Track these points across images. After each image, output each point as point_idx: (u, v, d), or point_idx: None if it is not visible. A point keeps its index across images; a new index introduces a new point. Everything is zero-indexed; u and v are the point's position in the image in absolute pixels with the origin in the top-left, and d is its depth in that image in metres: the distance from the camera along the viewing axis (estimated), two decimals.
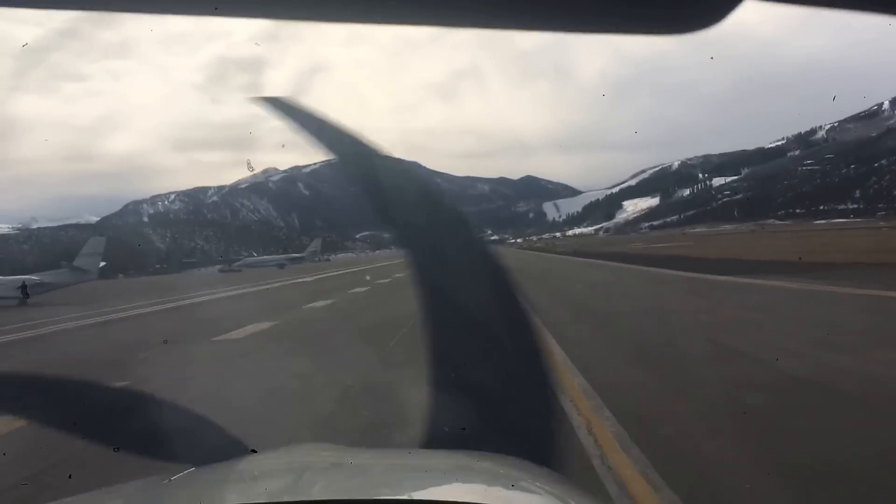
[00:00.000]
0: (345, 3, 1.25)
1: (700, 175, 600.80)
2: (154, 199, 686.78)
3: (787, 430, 7.79)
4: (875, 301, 19.67)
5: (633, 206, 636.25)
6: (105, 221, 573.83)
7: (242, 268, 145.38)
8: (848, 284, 22.99)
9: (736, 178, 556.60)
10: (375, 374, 12.36)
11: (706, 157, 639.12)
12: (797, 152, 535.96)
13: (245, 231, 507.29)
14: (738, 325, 16.15)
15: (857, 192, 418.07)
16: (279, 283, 56.06)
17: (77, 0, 1.18)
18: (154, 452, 2.09)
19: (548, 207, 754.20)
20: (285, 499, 1.83)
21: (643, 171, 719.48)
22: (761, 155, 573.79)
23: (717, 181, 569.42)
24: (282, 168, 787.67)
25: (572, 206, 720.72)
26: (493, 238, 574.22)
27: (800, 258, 31.98)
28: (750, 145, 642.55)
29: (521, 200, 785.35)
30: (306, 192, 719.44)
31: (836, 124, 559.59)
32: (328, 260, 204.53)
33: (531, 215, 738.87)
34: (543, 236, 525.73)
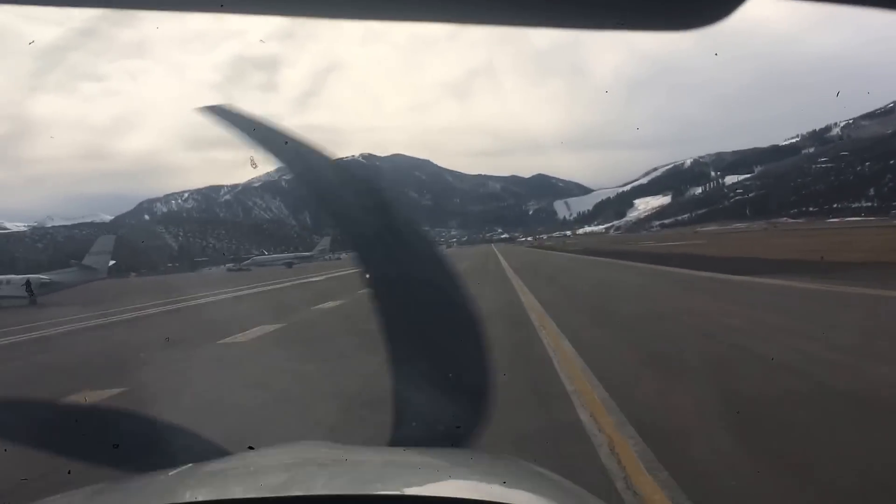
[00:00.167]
0: (360, 1, 1.25)
1: (712, 173, 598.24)
2: (168, 198, 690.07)
3: (835, 449, 7.14)
4: None
5: (645, 205, 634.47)
6: (119, 220, 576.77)
7: (251, 266, 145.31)
8: (876, 285, 22.10)
9: (749, 175, 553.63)
10: (384, 383, 11.77)
11: (719, 155, 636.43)
12: (811, 150, 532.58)
13: (257, 230, 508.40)
14: (767, 331, 15.38)
15: (872, 189, 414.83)
16: (288, 283, 55.60)
17: None
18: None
19: (559, 206, 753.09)
20: (281, 494, 1.85)
21: (655, 170, 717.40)
22: (775, 152, 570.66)
23: (730, 179, 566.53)
24: None
25: (583, 204, 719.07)
26: (503, 236, 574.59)
27: (822, 257, 31.16)
28: (764, 143, 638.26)
29: (533, 199, 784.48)
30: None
31: (850, 121, 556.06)
32: (339, 258, 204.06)
33: (542, 214, 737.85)
34: (554, 234, 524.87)
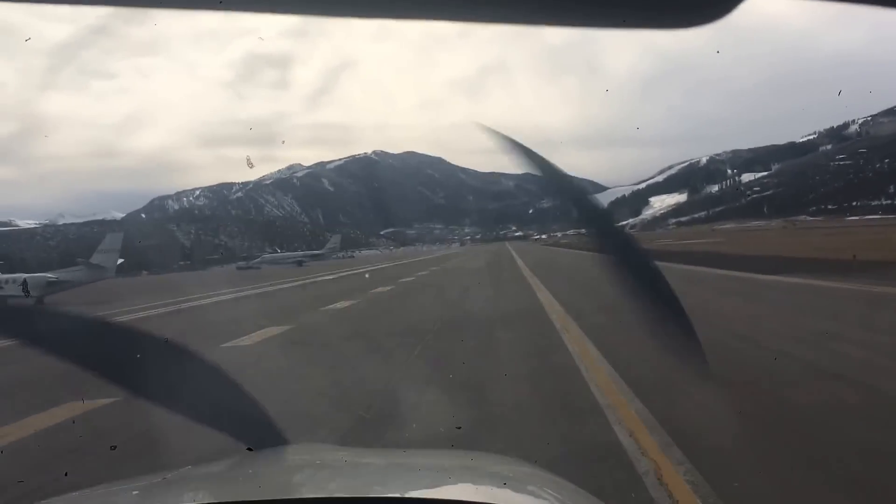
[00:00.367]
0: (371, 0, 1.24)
1: (729, 170, 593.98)
2: (179, 195, 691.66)
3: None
4: None
5: (661, 203, 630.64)
6: (131, 217, 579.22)
7: (261, 265, 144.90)
8: None
9: (766, 173, 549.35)
10: (395, 395, 10.79)
11: (735, 152, 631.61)
12: (829, 147, 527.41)
13: (269, 227, 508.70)
14: (811, 336, 14.21)
15: (892, 187, 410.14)
16: (298, 283, 54.57)
17: None
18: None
19: None
20: (280, 496, 1.84)
21: (670, 167, 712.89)
22: (792, 150, 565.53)
23: (747, 177, 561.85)
24: (306, 164, 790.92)
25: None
26: (517, 234, 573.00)
27: (854, 256, 29.84)
28: (780, 140, 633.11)
29: (546, 196, 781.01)
30: (331, 189, 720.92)
31: (869, 118, 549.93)
32: (352, 257, 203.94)
33: (557, 212, 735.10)
34: (569, 232, 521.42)
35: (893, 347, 12.57)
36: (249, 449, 2.39)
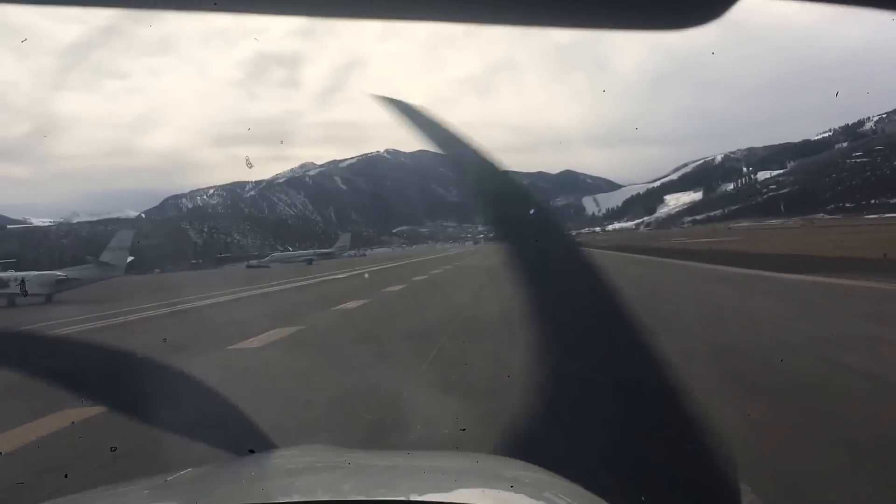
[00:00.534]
0: (379, 2, 1.24)
1: (744, 168, 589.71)
2: (193, 194, 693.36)
3: None
4: None
5: (675, 201, 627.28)
6: (145, 216, 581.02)
7: (270, 264, 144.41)
8: None
9: (781, 171, 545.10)
10: (410, 404, 9.85)
11: (750, 150, 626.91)
12: (844, 144, 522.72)
13: (282, 225, 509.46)
14: (857, 340, 13.15)
15: None
16: (308, 281, 53.71)
17: None
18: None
19: (587, 202, 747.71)
20: (282, 499, 1.85)
21: (685, 165, 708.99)
22: (808, 147, 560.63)
23: (762, 175, 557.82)
24: (319, 162, 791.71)
25: (612, 200, 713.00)
26: None
27: (885, 255, 28.71)
28: (795, 137, 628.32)
29: (560, 195, 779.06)
30: (343, 187, 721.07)
31: (884, 115, 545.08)
32: (364, 255, 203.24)
33: (570, 210, 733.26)
34: (582, 231, 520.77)
35: None
36: (251, 451, 2.37)
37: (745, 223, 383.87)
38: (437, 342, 15.66)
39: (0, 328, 25.36)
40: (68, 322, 27.26)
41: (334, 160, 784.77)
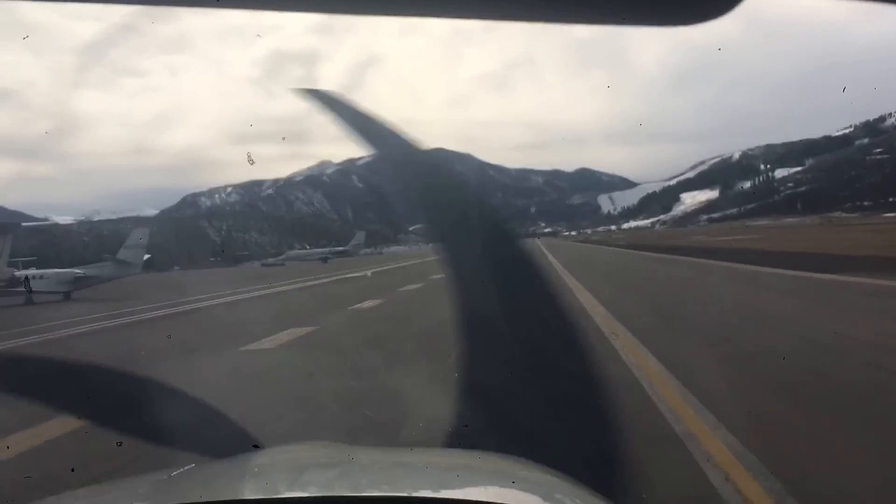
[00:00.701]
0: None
1: (762, 166, 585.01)
2: (211, 192, 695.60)
3: None
4: None
5: (692, 199, 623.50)
6: (164, 214, 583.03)
7: (285, 262, 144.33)
8: None
9: (800, 168, 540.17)
10: (428, 412, 9.31)
11: (769, 147, 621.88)
12: (865, 141, 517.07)
13: (299, 224, 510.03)
14: None
15: None
16: (324, 280, 53.29)
17: None
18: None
19: (603, 200, 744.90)
20: (286, 494, 1.86)
21: (702, 163, 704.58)
22: (827, 144, 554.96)
23: (780, 172, 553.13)
24: (336, 161, 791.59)
25: (628, 198, 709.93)
26: (546, 231, 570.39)
27: None
28: (815, 134, 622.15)
29: (576, 193, 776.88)
30: (360, 185, 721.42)
31: None
32: (380, 253, 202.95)
33: (586, 208, 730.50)
34: (598, 229, 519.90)
35: None
36: (255, 446, 2.38)
37: (763, 222, 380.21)
38: (457, 344, 15.13)
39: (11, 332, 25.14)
40: (81, 321, 26.95)
41: (351, 158, 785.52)
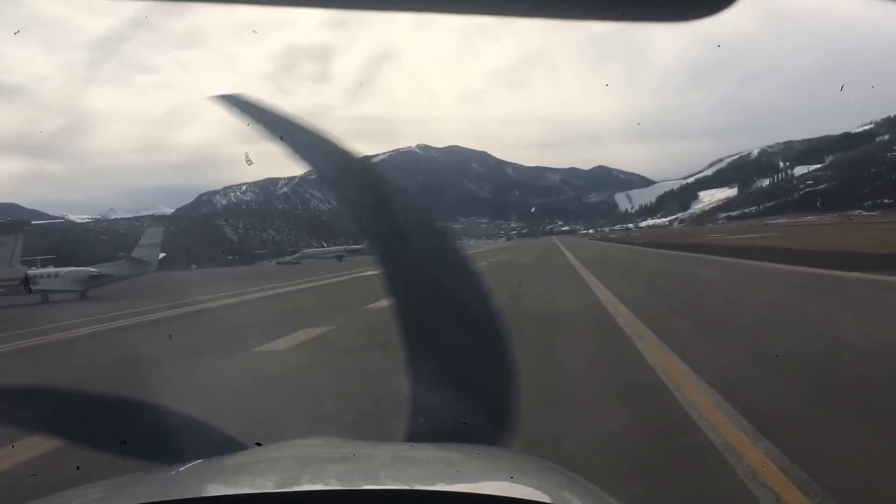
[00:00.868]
0: None
1: (781, 163, 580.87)
2: (226, 190, 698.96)
3: None
4: None
5: (710, 197, 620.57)
6: (179, 212, 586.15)
7: (300, 260, 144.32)
8: None
9: (819, 165, 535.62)
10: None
11: (788, 144, 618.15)
12: (886, 137, 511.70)
13: (315, 221, 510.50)
14: None
15: None
16: (338, 278, 52.84)
17: None
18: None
19: (620, 198, 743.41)
20: (290, 489, 1.89)
21: (720, 160, 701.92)
22: (847, 140, 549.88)
23: (800, 169, 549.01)
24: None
25: (645, 196, 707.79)
26: (563, 229, 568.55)
27: None
28: (835, 130, 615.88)
29: (593, 191, 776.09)
30: None
31: None
32: None
33: (603, 206, 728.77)
34: (615, 227, 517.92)
35: None
36: (258, 444, 2.41)
37: (782, 220, 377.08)
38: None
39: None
40: (92, 321, 26.60)
41: (367, 156, 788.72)
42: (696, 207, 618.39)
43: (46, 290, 48.44)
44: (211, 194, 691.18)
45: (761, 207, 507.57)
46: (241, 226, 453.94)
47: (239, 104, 2.29)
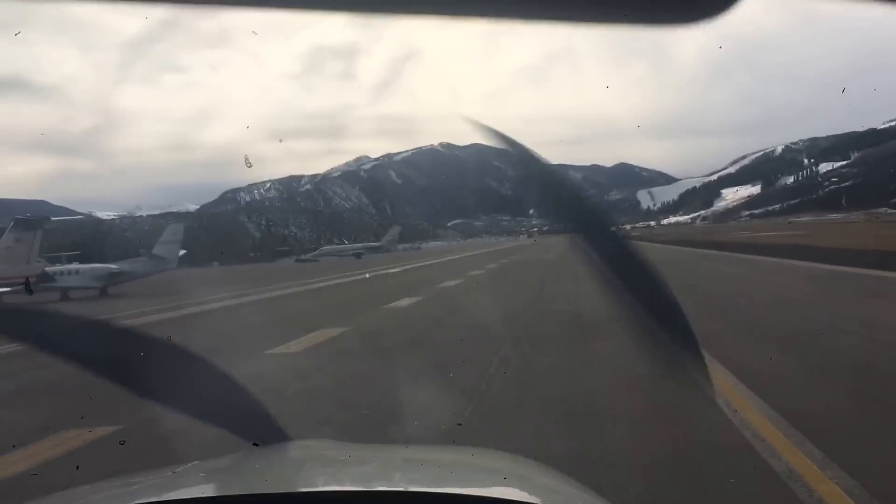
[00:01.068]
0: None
1: (805, 160, 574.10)
2: (250, 188, 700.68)
3: None
4: None
5: (733, 195, 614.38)
6: (204, 209, 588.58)
7: (319, 257, 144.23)
8: None
9: (845, 162, 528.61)
10: (468, 429, 7.93)
11: (812, 141, 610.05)
12: None
13: (337, 219, 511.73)
14: None
15: None
16: (360, 276, 52.08)
17: None
18: None
19: (642, 195, 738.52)
20: (286, 490, 1.90)
21: (743, 157, 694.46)
22: (873, 136, 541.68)
23: (825, 166, 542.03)
24: (374, 156, 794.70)
25: (667, 194, 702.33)
26: None
27: None
28: (860, 126, 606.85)
29: (615, 188, 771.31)
30: (398, 181, 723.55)
31: None
32: (418, 248, 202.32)
33: (625, 204, 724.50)
34: (638, 225, 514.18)
35: None
36: (255, 444, 2.42)
37: (806, 218, 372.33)
38: (499, 349, 13.77)
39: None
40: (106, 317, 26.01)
41: (389, 153, 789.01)
42: (719, 205, 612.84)
43: (66, 286, 48.36)
44: (235, 191, 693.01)
45: (785, 205, 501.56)
46: (263, 223, 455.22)
47: (496, 135, 2.58)
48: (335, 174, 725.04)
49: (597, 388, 10.40)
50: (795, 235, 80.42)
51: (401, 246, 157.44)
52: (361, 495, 1.84)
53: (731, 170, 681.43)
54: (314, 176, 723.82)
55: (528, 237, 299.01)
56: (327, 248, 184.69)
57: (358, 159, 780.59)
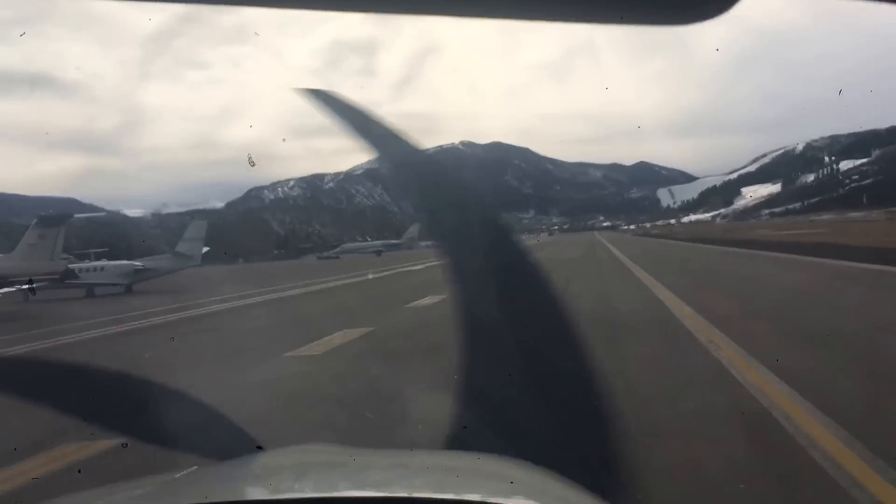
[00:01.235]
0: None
1: (826, 158, 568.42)
2: (274, 186, 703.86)
3: None
4: None
5: (753, 193, 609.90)
6: (229, 207, 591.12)
7: (340, 255, 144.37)
8: None
9: (866, 160, 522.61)
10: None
11: (833, 138, 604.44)
12: None
13: (360, 217, 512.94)
14: None
15: None
16: (379, 274, 51.59)
17: None
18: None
19: (662, 194, 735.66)
20: (288, 496, 1.89)
21: (764, 156, 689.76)
22: (894, 134, 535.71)
23: (845, 164, 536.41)
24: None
25: (687, 192, 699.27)
26: (605, 224, 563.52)
27: None
28: (882, 124, 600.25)
29: (635, 187, 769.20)
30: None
31: None
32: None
33: (645, 202, 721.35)
34: (658, 223, 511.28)
35: None
36: (259, 448, 2.42)
37: (827, 216, 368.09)
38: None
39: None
40: (117, 320, 25.66)
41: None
42: (739, 203, 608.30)
43: (91, 283, 48.59)
44: (259, 189, 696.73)
45: (805, 203, 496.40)
46: (287, 220, 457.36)
47: (323, 98, 2.33)
48: (358, 172, 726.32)
49: (648, 395, 9.87)
50: (815, 234, 79.19)
51: (422, 243, 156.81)
52: (365, 501, 1.85)
53: (752, 168, 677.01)
54: (337, 174, 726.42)
55: (549, 235, 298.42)
56: (349, 245, 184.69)
57: (377, 157, 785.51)
